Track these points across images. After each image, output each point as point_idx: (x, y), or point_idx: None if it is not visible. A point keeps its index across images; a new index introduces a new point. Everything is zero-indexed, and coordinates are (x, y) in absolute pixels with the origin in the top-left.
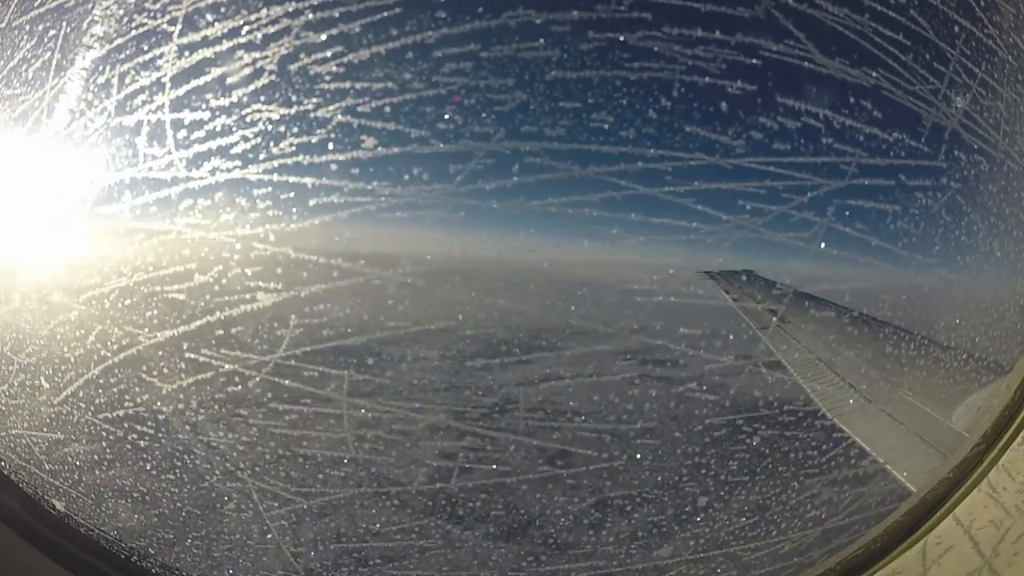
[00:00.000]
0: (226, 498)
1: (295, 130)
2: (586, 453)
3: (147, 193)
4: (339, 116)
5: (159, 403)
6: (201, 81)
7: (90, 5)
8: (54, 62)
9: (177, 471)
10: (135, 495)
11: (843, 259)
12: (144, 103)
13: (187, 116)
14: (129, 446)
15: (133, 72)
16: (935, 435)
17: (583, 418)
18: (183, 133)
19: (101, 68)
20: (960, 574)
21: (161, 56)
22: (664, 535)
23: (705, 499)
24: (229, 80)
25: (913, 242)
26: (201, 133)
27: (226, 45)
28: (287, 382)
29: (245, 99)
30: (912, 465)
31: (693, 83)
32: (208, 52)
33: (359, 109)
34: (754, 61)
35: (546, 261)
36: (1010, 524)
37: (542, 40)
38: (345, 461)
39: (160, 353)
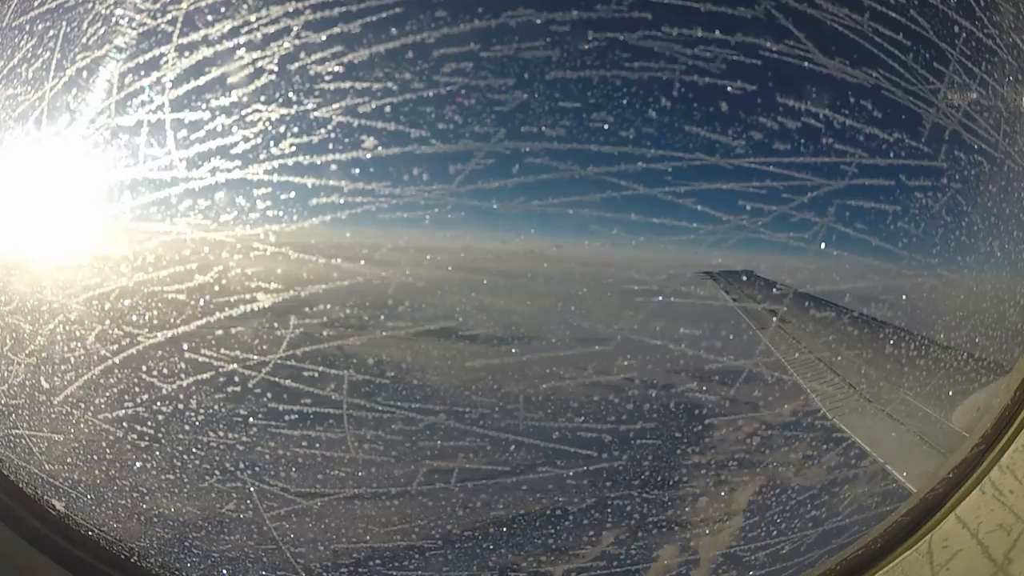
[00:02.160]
0: (226, 498)
1: (295, 130)
2: (586, 453)
3: (147, 193)
4: (339, 116)
5: (159, 403)
6: (201, 81)
7: (90, 5)
8: (54, 62)
9: (177, 471)
10: (135, 495)
11: (843, 259)
12: (144, 103)
13: (187, 116)
14: (129, 446)
15: (133, 72)
16: (935, 435)
17: (583, 418)
18: (183, 133)
19: (101, 68)
20: None
21: (161, 56)
22: (664, 535)
23: (705, 499)
24: (229, 80)
25: (913, 242)
26: (201, 133)
27: (226, 45)
28: (287, 382)
29: (245, 99)
30: (912, 465)
31: (693, 83)
32: (208, 52)
33: (359, 109)
34: (754, 61)
35: (546, 261)
36: (1021, 529)
37: (542, 40)
38: (345, 461)
39: (160, 353)
